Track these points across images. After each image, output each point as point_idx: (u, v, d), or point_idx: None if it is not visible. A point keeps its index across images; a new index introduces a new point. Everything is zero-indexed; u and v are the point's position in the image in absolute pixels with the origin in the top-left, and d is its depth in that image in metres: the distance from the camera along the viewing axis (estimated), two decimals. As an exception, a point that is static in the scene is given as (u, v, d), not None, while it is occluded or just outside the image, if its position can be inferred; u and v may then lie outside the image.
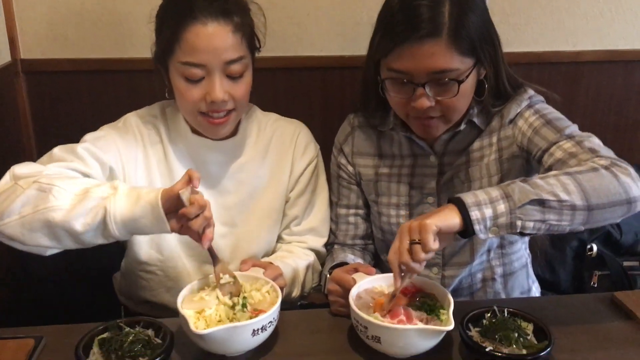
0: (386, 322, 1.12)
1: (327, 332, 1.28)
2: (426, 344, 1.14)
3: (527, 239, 1.57)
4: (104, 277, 1.70)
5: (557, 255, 1.86)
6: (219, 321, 1.16)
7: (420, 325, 1.12)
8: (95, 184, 1.22)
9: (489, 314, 1.21)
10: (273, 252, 1.57)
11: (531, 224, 1.11)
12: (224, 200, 1.48)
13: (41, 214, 1.16)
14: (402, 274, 1.14)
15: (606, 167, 1.15)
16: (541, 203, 1.11)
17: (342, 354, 1.20)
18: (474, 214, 1.10)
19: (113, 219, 1.15)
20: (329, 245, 1.60)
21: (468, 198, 1.12)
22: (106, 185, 1.20)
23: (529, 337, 1.15)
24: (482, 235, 1.11)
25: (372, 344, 1.15)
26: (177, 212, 1.16)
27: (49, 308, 1.61)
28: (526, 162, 1.39)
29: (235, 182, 1.48)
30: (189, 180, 1.15)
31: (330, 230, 1.59)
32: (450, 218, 1.10)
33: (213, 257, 1.24)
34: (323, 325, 1.31)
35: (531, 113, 1.36)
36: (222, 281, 1.23)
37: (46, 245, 1.20)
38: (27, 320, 1.41)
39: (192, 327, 1.10)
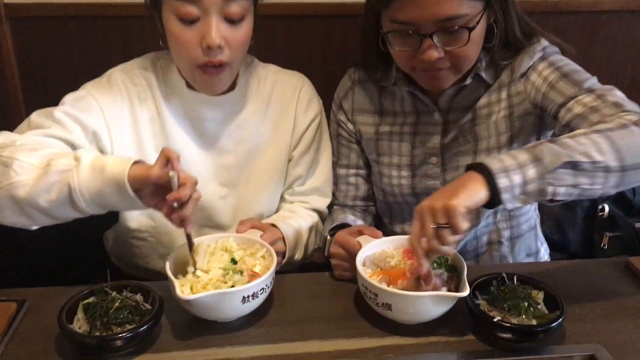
0: (397, 289, 1.06)
1: (328, 297, 1.22)
2: (438, 311, 1.08)
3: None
4: (96, 234, 1.63)
5: (567, 216, 1.79)
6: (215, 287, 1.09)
7: (435, 292, 1.05)
8: (58, 154, 1.11)
9: (497, 281, 1.14)
10: (275, 213, 1.50)
11: (563, 190, 1.02)
12: (222, 159, 1.40)
13: (5, 191, 1.08)
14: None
15: (636, 123, 1.06)
16: (574, 166, 1.01)
17: (345, 320, 1.14)
18: (502, 182, 0.99)
19: (80, 194, 1.05)
20: (328, 206, 1.52)
21: (494, 164, 1.01)
22: (69, 156, 1.09)
23: (539, 307, 1.09)
24: (509, 205, 1.01)
25: (382, 311, 1.09)
26: (151, 188, 1.06)
27: (36, 268, 1.56)
28: (539, 120, 1.30)
29: (234, 140, 1.40)
30: (166, 162, 1.03)
31: None
32: (477, 193, 0.99)
33: (190, 243, 1.12)
34: (324, 289, 1.25)
35: (545, 66, 1.26)
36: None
37: (22, 223, 1.13)
38: (13, 281, 1.36)
39: (179, 292, 1.04)
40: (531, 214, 1.48)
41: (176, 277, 1.09)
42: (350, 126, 1.45)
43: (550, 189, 1.02)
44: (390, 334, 1.10)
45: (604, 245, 1.76)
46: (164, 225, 1.37)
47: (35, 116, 1.23)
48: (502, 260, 1.46)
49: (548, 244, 1.61)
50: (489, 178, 1.00)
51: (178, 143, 1.34)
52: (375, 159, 1.44)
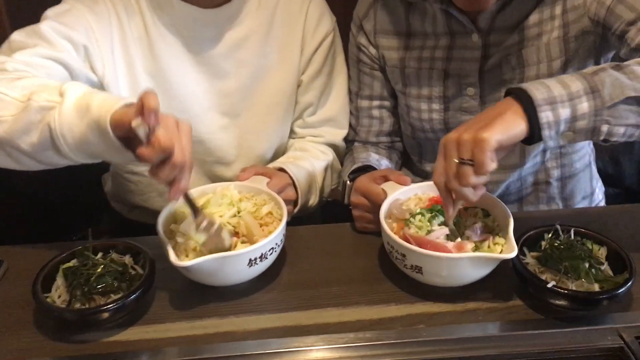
0: (430, 250, 0.88)
1: (349, 255, 1.06)
2: (478, 274, 0.91)
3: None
4: (95, 176, 1.50)
5: (621, 145, 1.56)
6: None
7: (474, 254, 0.88)
8: (44, 85, 0.94)
9: (549, 235, 0.96)
10: (285, 150, 1.35)
11: (621, 130, 0.85)
12: (222, 85, 1.23)
13: None
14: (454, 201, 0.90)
15: None
16: None
17: (368, 283, 0.97)
18: (545, 116, 0.83)
19: (62, 139, 0.88)
20: (348, 142, 1.35)
21: (538, 91, 0.84)
22: (54, 90, 0.91)
23: (602, 267, 0.90)
24: (550, 144, 0.87)
25: (411, 273, 0.93)
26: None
27: (28, 214, 1.43)
28: (601, 40, 1.09)
29: (234, 61, 1.22)
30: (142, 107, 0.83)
31: (350, 125, 1.34)
32: (514, 125, 0.83)
33: (192, 208, 0.93)
34: (344, 245, 1.09)
35: None
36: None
37: (8, 165, 0.97)
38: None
39: (173, 257, 0.88)
40: (586, 149, 1.28)
41: (172, 238, 0.94)
42: (373, 50, 1.24)
43: (605, 127, 0.86)
44: (421, 300, 0.93)
45: None
46: None
47: (17, 35, 1.07)
48: (550, 202, 1.27)
49: (600, 177, 1.41)
50: (530, 109, 0.83)
51: (170, 66, 1.19)
52: (402, 90, 1.23)
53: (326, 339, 0.87)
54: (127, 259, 0.96)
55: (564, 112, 0.84)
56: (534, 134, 0.84)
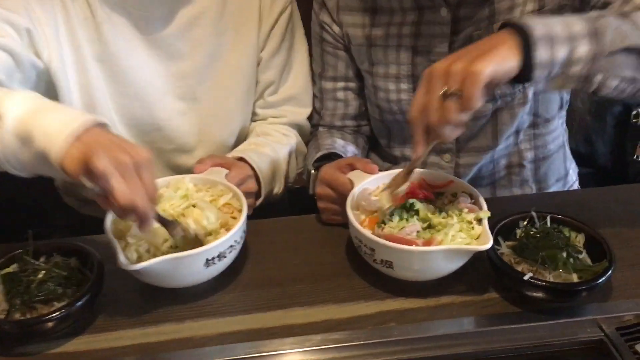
0: (400, 245, 0.82)
1: (315, 249, 0.98)
2: (451, 266, 0.86)
3: (565, 110, 1.23)
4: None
5: (595, 124, 1.54)
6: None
7: (448, 246, 0.82)
8: None
9: (525, 223, 0.91)
10: (248, 135, 1.27)
11: (615, 82, 0.80)
12: (177, 67, 1.15)
13: None
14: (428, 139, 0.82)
15: None
16: None
17: (336, 278, 0.91)
18: (541, 54, 0.76)
19: (8, 164, 0.80)
20: (312, 127, 1.28)
21: (537, 27, 0.77)
22: None
23: (581, 256, 0.86)
24: (539, 86, 0.82)
25: (381, 268, 0.87)
26: None
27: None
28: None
29: (189, 41, 1.14)
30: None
31: (315, 109, 1.26)
32: (508, 60, 0.76)
33: (167, 226, 0.85)
34: (310, 238, 1.02)
35: None
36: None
37: None
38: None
39: (122, 259, 0.80)
40: (560, 130, 1.23)
41: (121, 238, 0.87)
42: (336, 29, 1.16)
43: (599, 77, 0.80)
44: (392, 295, 0.88)
45: (637, 156, 1.54)
46: None
47: None
48: (523, 185, 1.22)
49: (573, 157, 1.37)
50: (526, 44, 0.77)
51: (120, 49, 1.10)
52: (368, 70, 1.16)
53: (292, 342, 0.81)
54: (74, 262, 0.88)
55: (561, 52, 0.77)
56: (524, 73, 0.77)
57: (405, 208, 0.89)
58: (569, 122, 1.32)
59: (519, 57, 0.76)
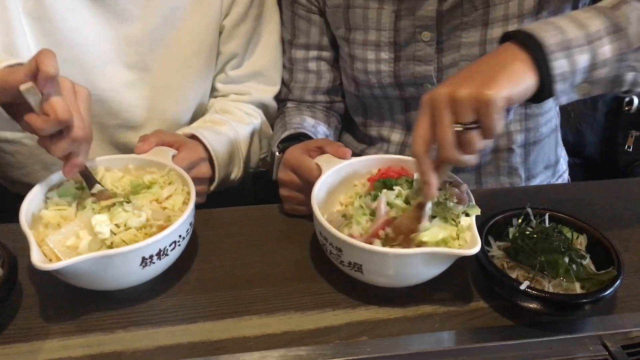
0: (371, 246, 0.70)
1: (275, 245, 0.86)
2: (432, 272, 0.74)
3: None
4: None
5: (584, 112, 1.44)
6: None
7: (428, 249, 0.69)
8: None
9: (519, 220, 0.79)
10: (205, 112, 1.15)
11: None
12: (126, 30, 1.02)
13: None
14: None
15: None
16: None
17: (299, 281, 0.79)
18: (559, 65, 0.67)
19: None
20: (280, 102, 1.15)
21: (549, 36, 0.68)
22: None
23: (585, 262, 0.74)
24: (563, 100, 0.72)
25: (350, 272, 0.74)
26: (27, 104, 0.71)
27: None
28: None
29: (140, 1, 1.01)
30: (36, 69, 0.68)
31: (283, 82, 1.14)
32: (523, 79, 0.66)
33: (90, 184, 0.79)
34: (271, 232, 0.89)
35: None
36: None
37: None
38: None
39: (37, 258, 0.65)
40: (553, 112, 1.12)
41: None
42: (309, -11, 1.02)
43: (630, 75, 0.72)
44: (364, 303, 0.75)
45: (629, 147, 1.47)
46: None
47: None
48: (511, 173, 1.11)
49: (562, 146, 1.27)
50: (540, 58, 0.67)
51: (57, 6, 0.98)
52: (345, 36, 1.03)
53: (245, 358, 0.68)
54: (-17, 257, 0.73)
55: (583, 59, 0.68)
56: (544, 88, 0.68)
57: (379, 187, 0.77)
58: (565, 110, 1.22)
59: (535, 72, 0.68)
